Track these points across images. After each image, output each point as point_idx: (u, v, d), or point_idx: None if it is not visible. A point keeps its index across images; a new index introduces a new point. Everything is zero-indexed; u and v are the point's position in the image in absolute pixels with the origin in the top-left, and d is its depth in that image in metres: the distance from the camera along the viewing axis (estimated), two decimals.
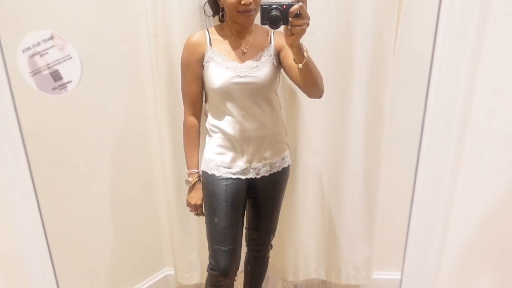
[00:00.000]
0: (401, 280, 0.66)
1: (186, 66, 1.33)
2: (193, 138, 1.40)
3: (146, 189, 1.85)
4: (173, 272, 2.01)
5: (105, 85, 1.59)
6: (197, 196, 1.40)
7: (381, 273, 1.93)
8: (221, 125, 1.33)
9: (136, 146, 1.77)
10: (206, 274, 1.89)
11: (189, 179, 1.41)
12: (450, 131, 0.62)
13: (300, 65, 1.15)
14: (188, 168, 1.41)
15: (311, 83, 1.25)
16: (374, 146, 1.66)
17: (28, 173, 0.71)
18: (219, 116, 1.34)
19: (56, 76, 0.58)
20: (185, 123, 1.40)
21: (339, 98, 1.62)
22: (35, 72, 0.56)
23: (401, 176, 1.77)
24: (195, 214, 1.45)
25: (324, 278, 1.92)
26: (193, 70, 1.32)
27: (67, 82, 0.59)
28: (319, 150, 1.70)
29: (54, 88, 0.59)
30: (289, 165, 1.48)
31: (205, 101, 1.42)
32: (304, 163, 1.71)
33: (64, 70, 0.58)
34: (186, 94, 1.37)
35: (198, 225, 1.83)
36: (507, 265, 0.66)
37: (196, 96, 1.37)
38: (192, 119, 1.39)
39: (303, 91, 1.31)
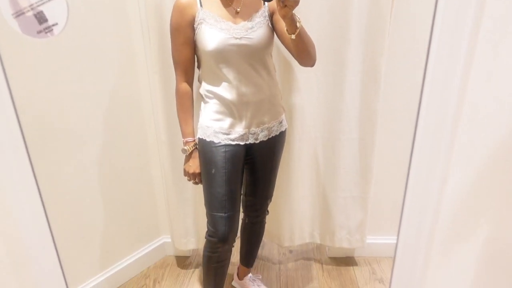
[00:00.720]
0: (398, 233, 0.66)
1: (176, 30, 1.28)
2: (187, 105, 1.36)
3: (140, 156, 1.83)
4: (170, 240, 2.02)
5: (95, 49, 1.54)
6: (195, 165, 1.38)
7: (375, 237, 1.97)
8: (217, 91, 1.30)
9: (129, 113, 1.74)
10: (202, 240, 1.93)
11: (185, 147, 1.37)
12: (450, 83, 0.60)
13: (293, 36, 1.16)
14: (184, 136, 1.38)
15: (303, 53, 1.26)
16: (369, 111, 1.65)
17: (22, 142, 0.69)
18: (215, 81, 1.30)
19: (40, 18, 0.54)
20: (177, 90, 1.36)
21: (335, 63, 1.60)
22: (18, 14, 0.53)
23: (395, 141, 1.78)
24: (193, 183, 1.43)
25: (318, 242, 1.95)
26: (184, 33, 1.27)
27: (53, 25, 0.55)
28: (314, 115, 1.69)
29: (39, 32, 0.55)
30: (286, 129, 1.47)
31: (198, 67, 1.38)
32: (300, 129, 1.70)
33: (49, 12, 0.54)
34: (178, 60, 1.32)
35: (194, 192, 1.83)
36: (502, 220, 0.66)
37: (188, 61, 1.32)
38: (185, 86, 1.34)
39: (295, 58, 1.31)
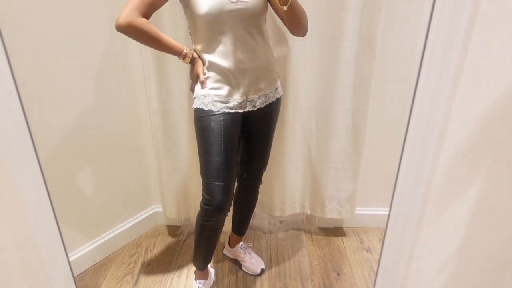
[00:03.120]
0: (395, 185, 0.67)
1: None
2: (157, 29, 1.22)
3: (132, 124, 1.81)
4: (161, 209, 2.03)
5: (85, 12, 1.49)
6: (199, 63, 1.31)
7: (364, 208, 2.01)
8: (213, 59, 1.27)
9: (120, 79, 1.70)
10: (193, 209, 1.94)
11: (191, 54, 1.30)
12: (452, 40, 0.60)
13: (285, 8, 1.14)
14: (180, 52, 1.28)
15: (295, 23, 1.25)
16: (363, 82, 1.65)
17: (18, 102, 0.68)
18: (210, 49, 1.27)
19: None
20: (136, 22, 1.15)
21: (330, 29, 1.57)
22: None
23: (387, 112, 1.79)
24: (199, 81, 1.32)
25: (309, 212, 1.98)
26: None
27: None
28: (308, 84, 1.68)
29: None
30: (281, 96, 1.46)
31: (192, 35, 1.34)
32: (293, 98, 1.70)
33: None
34: None
35: (185, 161, 1.82)
36: (501, 171, 0.67)
37: (158, 5, 1.20)
38: (145, 19, 1.19)
39: (286, 27, 1.31)
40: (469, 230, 0.70)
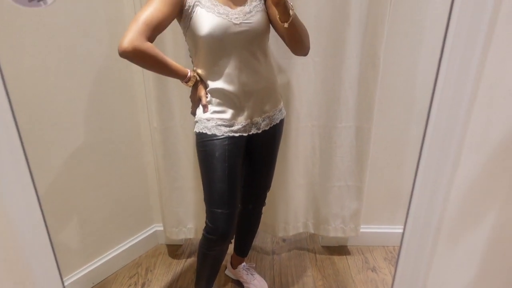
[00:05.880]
0: (406, 216, 0.65)
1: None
2: (161, 54, 1.16)
3: (133, 143, 1.79)
4: (162, 228, 1.99)
5: (86, 33, 1.49)
6: (201, 88, 1.26)
7: (368, 226, 1.97)
8: (217, 82, 1.23)
9: (121, 98, 1.69)
10: (194, 229, 1.90)
11: (195, 78, 1.25)
12: (466, 69, 0.58)
13: (286, 25, 1.11)
14: (185, 76, 1.24)
15: (296, 42, 1.23)
16: (366, 99, 1.63)
17: (14, 126, 0.65)
18: (213, 72, 1.23)
19: None
20: (142, 46, 1.08)
21: (334, 47, 1.56)
22: None
23: (391, 129, 1.77)
24: (202, 105, 1.27)
25: (312, 231, 1.94)
26: (171, 7, 1.12)
27: None
28: (312, 102, 1.66)
29: (31, 0, 0.51)
30: (284, 117, 1.44)
31: (192, 56, 1.30)
32: (296, 116, 1.68)
33: None
34: (153, 21, 1.10)
35: (187, 180, 1.80)
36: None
37: (161, 28, 1.14)
38: (150, 43, 1.12)
39: (287, 46, 1.27)
40: (484, 260, 0.67)
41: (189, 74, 1.25)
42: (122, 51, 1.06)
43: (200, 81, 1.27)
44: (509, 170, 0.60)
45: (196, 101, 1.30)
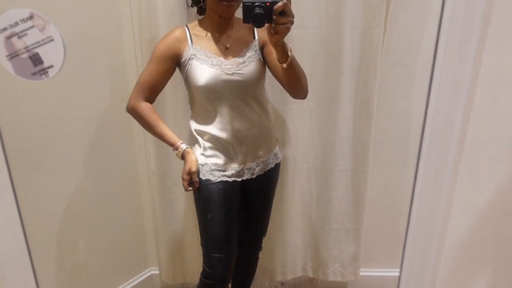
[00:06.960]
0: (399, 278, 0.64)
1: (159, 58, 1.24)
2: (157, 117, 1.28)
3: (130, 186, 1.79)
4: (158, 272, 1.96)
5: (87, 79, 1.53)
6: (193, 162, 1.26)
7: (368, 269, 1.93)
8: (210, 130, 1.27)
9: (119, 142, 1.71)
10: (190, 274, 1.87)
11: (182, 149, 1.27)
12: (452, 126, 0.60)
13: (284, 65, 1.13)
14: (172, 144, 1.28)
15: (295, 84, 1.23)
16: (361, 143, 1.66)
17: (6, 170, 0.66)
18: (207, 119, 1.27)
19: (36, 59, 0.53)
20: (138, 107, 1.24)
21: (328, 93, 1.61)
22: (13, 56, 0.51)
23: (387, 172, 1.78)
24: (188, 187, 1.28)
25: (311, 275, 1.90)
26: (164, 64, 1.24)
27: (48, 67, 0.54)
28: (307, 146, 1.69)
29: (34, 74, 0.54)
30: (280, 161, 1.45)
31: (190, 103, 1.35)
32: (292, 160, 1.69)
33: (45, 54, 0.52)
34: (147, 83, 1.24)
35: (183, 224, 1.79)
36: (506, 263, 0.65)
37: (157, 87, 1.27)
38: (148, 104, 1.27)
39: (286, 90, 1.28)
40: None
41: (177, 143, 1.27)
42: (126, 109, 1.29)
43: (190, 154, 1.26)
44: (495, 232, 0.61)
45: (185, 176, 1.27)
